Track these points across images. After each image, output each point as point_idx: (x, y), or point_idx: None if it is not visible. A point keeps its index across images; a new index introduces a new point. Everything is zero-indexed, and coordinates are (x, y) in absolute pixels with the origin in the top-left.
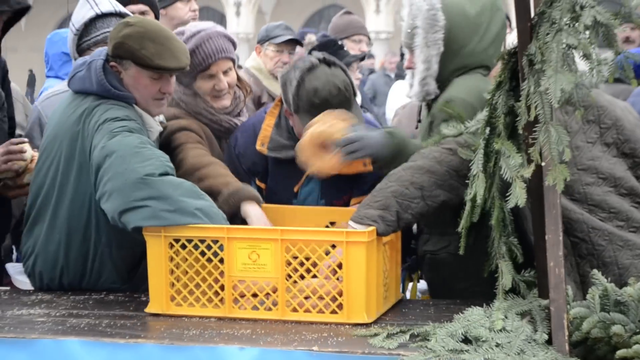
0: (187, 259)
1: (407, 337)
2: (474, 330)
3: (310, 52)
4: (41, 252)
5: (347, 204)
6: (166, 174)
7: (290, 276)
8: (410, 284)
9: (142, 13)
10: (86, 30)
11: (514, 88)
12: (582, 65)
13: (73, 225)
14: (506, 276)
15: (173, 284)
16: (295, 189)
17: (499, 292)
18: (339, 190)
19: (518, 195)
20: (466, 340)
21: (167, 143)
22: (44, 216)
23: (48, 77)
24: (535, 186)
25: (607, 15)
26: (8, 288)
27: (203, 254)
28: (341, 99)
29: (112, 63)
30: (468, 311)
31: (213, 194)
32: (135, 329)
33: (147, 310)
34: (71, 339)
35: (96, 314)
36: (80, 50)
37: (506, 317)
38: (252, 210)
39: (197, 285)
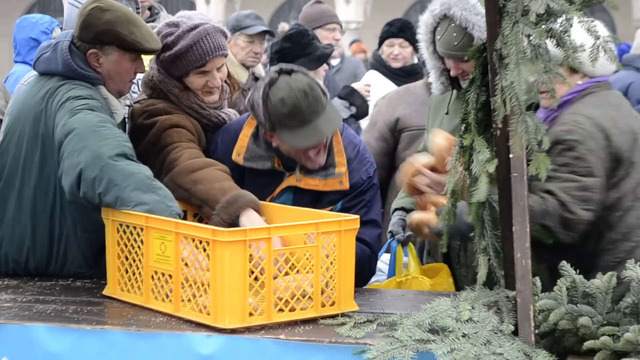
0: (127, 245)
1: (374, 326)
2: (441, 320)
3: (280, 46)
4: (6, 234)
5: None
6: (123, 154)
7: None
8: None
9: None
10: None
11: (486, 84)
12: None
13: (39, 207)
14: (482, 269)
15: (119, 268)
16: (268, 200)
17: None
18: (310, 202)
19: (481, 191)
20: (433, 331)
21: (156, 141)
22: (9, 198)
23: (16, 62)
24: (502, 178)
25: (561, 2)
26: None
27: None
28: (310, 102)
29: (93, 50)
30: (435, 301)
31: (209, 200)
32: (102, 316)
33: (105, 293)
34: (37, 325)
35: (63, 300)
36: None
37: (473, 308)
38: (246, 221)
39: (133, 272)
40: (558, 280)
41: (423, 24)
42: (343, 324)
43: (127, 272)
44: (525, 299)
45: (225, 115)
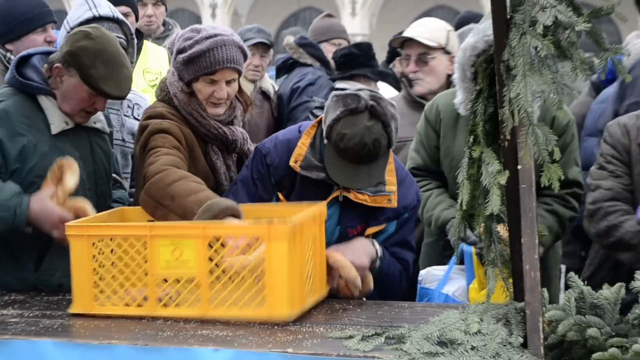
0: (110, 258)
1: (382, 339)
2: (450, 333)
3: (349, 50)
4: None
5: (361, 233)
6: None
7: (212, 273)
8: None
9: (125, 15)
10: None
11: (493, 95)
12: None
13: None
14: (491, 282)
15: (97, 284)
16: None
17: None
18: (356, 218)
19: (493, 203)
20: (442, 343)
21: (145, 143)
22: None
23: None
24: (511, 189)
25: (569, 14)
26: None
27: (127, 252)
28: (366, 155)
29: (58, 65)
30: (444, 314)
31: (187, 214)
32: (109, 330)
33: (70, 310)
34: (44, 340)
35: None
36: None
37: (482, 320)
38: None
39: (121, 285)
40: (566, 292)
41: (470, 47)
42: (351, 337)
43: (107, 286)
44: (534, 311)
45: (228, 131)
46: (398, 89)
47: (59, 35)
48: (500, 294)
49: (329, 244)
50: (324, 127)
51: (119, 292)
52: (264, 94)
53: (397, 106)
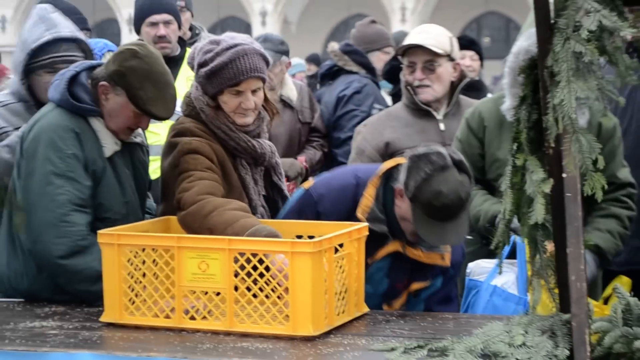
0: (140, 268)
1: (425, 352)
2: (493, 345)
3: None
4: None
5: (406, 286)
6: (75, 253)
7: (237, 288)
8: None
9: (167, 22)
10: (39, 51)
11: (537, 102)
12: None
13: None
14: (536, 293)
15: (127, 293)
16: (369, 261)
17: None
18: (406, 272)
19: (538, 212)
20: (485, 356)
21: (176, 163)
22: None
23: None
24: (556, 198)
25: (614, 18)
26: (22, 300)
27: (156, 263)
28: (459, 209)
29: (103, 83)
30: (488, 326)
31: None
32: (147, 343)
33: (102, 319)
34: (83, 352)
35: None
36: (29, 70)
37: (526, 332)
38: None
39: (150, 295)
40: (612, 303)
41: (523, 51)
42: (393, 349)
43: (137, 295)
44: (580, 323)
45: (257, 144)
46: None
47: (15, 55)
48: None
49: (376, 294)
50: (407, 187)
51: (148, 302)
52: (284, 102)
53: (400, 115)
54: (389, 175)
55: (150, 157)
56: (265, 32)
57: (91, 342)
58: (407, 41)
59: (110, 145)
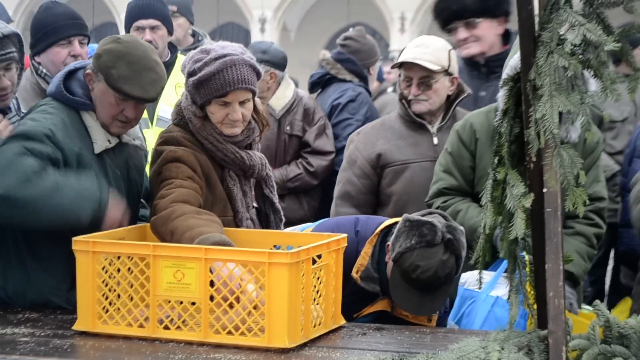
0: (114, 276)
1: None
2: None
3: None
4: None
5: None
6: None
7: (212, 298)
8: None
9: (153, 28)
10: None
11: (520, 115)
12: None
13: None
14: (514, 309)
15: (100, 302)
16: (354, 316)
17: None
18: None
19: (518, 227)
20: None
21: (159, 171)
22: None
23: None
24: (536, 213)
25: (598, 32)
26: None
27: (131, 271)
28: (436, 286)
29: (88, 71)
30: (464, 341)
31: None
32: (119, 352)
33: (75, 327)
34: None
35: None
36: None
37: (502, 349)
38: None
39: (124, 303)
40: (591, 320)
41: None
42: None
43: (111, 304)
44: (557, 340)
45: (246, 155)
46: None
47: None
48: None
49: None
50: (393, 249)
51: (122, 311)
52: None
53: (394, 126)
54: (387, 232)
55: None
56: (262, 40)
57: (62, 351)
58: (404, 56)
59: (101, 142)
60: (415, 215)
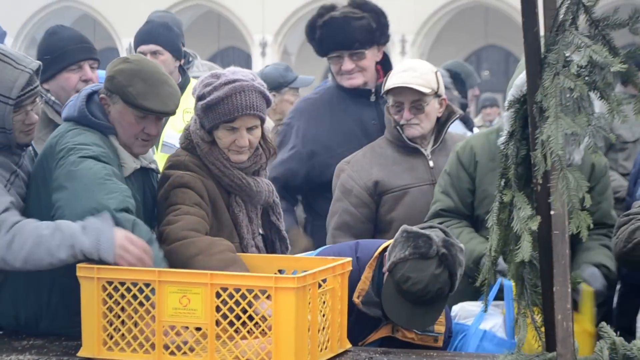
0: (119, 302)
1: None
2: None
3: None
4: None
5: None
6: (126, 209)
7: (219, 323)
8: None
9: (154, 53)
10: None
11: (526, 137)
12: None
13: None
14: (522, 331)
15: (105, 328)
16: (359, 344)
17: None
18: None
19: (524, 250)
20: None
21: (166, 196)
22: None
23: None
24: (543, 236)
25: (605, 54)
26: (1, 332)
27: (135, 297)
28: (429, 300)
29: (102, 95)
30: None
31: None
32: None
33: (79, 354)
34: None
35: None
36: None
37: None
38: None
39: (129, 330)
40: (598, 342)
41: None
42: None
43: (116, 330)
44: None
45: (252, 182)
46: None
47: None
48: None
49: None
50: (388, 259)
51: (127, 337)
52: None
53: (386, 153)
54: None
55: None
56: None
57: None
58: (393, 81)
59: (129, 164)
60: (414, 227)
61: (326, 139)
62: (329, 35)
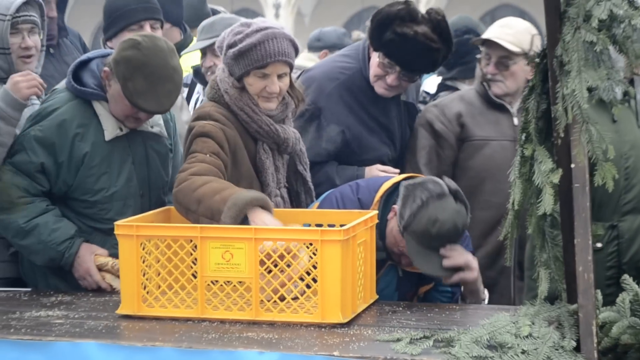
0: (159, 259)
1: (431, 342)
2: (500, 336)
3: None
4: None
5: (415, 293)
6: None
7: (264, 276)
8: None
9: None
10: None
11: (546, 91)
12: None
13: None
14: (544, 284)
15: (145, 285)
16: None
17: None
18: (413, 282)
19: (546, 203)
20: (491, 347)
21: (188, 145)
22: None
23: None
24: (564, 189)
25: (625, 7)
26: (29, 289)
27: (176, 254)
28: (455, 238)
29: (106, 69)
30: (494, 316)
31: (214, 214)
32: (153, 332)
33: (119, 312)
34: (88, 342)
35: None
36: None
37: (533, 323)
38: (256, 218)
39: (170, 286)
40: (620, 293)
41: None
42: (399, 339)
43: (158, 287)
44: (587, 314)
45: (280, 129)
46: None
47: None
48: None
49: None
50: (402, 217)
51: (167, 293)
52: None
53: (474, 103)
54: (387, 198)
55: None
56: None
57: (97, 332)
58: (487, 34)
59: (111, 129)
60: (413, 180)
61: (354, 127)
62: (399, 49)
